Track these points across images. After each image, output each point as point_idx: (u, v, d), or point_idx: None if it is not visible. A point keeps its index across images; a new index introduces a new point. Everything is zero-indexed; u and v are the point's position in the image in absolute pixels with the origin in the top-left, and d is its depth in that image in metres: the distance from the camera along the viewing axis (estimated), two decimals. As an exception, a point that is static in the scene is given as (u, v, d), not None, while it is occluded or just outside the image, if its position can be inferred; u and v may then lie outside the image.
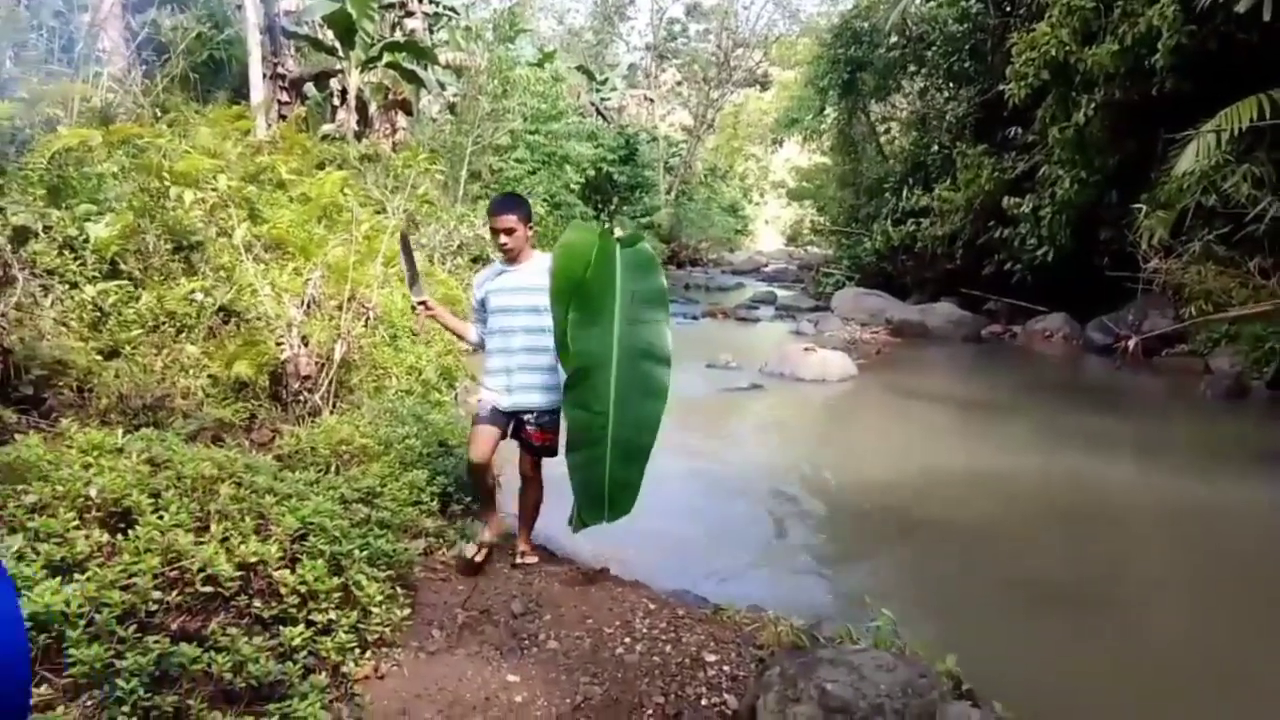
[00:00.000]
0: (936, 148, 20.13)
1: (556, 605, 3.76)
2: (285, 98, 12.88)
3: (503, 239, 3.91)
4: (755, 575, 5.17)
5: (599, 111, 31.61)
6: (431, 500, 4.41)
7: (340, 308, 6.01)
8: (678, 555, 5.27)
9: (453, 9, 17.71)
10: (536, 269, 3.94)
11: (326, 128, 13.52)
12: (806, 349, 11.95)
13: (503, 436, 4.05)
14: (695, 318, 18.62)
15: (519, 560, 4.17)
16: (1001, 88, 14.97)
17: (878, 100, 24.10)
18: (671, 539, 5.62)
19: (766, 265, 36.74)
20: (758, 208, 49.08)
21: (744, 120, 44.91)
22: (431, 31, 17.73)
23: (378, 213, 9.33)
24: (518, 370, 3.98)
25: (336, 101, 14.60)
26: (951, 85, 20.38)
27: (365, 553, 3.41)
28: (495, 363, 4.05)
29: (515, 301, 3.96)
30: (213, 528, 3.16)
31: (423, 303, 4.07)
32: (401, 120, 15.61)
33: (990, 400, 10.82)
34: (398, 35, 15.70)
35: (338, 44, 14.11)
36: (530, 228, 3.98)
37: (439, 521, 4.40)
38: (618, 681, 3.18)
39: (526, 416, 4.03)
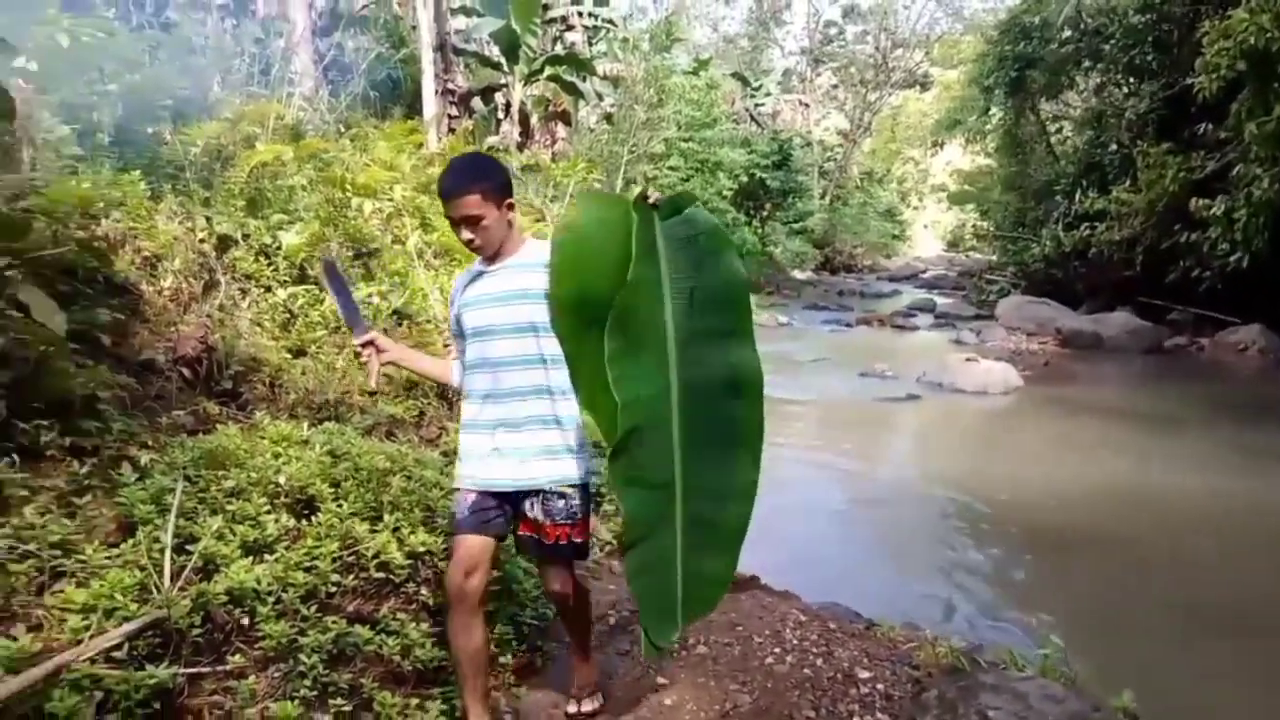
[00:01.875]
0: (1114, 147, 18.83)
1: (706, 610, 3.78)
2: (454, 112, 13.54)
3: (465, 234, 2.52)
4: (908, 591, 5.01)
5: (753, 118, 31.48)
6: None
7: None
8: (827, 567, 5.18)
9: (611, 21, 18.11)
10: (529, 264, 2.59)
11: (491, 140, 14.11)
12: (968, 359, 11.46)
13: (502, 539, 2.71)
14: (849, 325, 18.23)
15: (575, 711, 2.96)
16: (1189, 81, 13.85)
17: (1048, 98, 22.81)
18: (820, 550, 5.53)
19: (924, 272, 35.53)
20: (916, 212, 47.51)
21: (902, 123, 43.59)
22: (590, 44, 18.19)
23: (537, 220, 9.65)
24: (507, 425, 2.59)
25: (501, 114, 15.22)
26: (1132, 80, 19.03)
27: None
28: (475, 413, 2.65)
29: (497, 318, 2.57)
30: (385, 517, 3.36)
31: (368, 343, 2.67)
32: (561, 131, 16.10)
33: (1170, 416, 10.04)
34: (559, 49, 16.21)
35: (503, 59, 14.71)
36: (508, 205, 2.57)
37: (591, 520, 4.50)
38: (767, 691, 3.16)
39: (528, 501, 2.62)
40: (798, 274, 28.84)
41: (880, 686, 3.20)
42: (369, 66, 11.33)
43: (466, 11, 15.37)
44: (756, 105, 32.48)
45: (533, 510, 2.63)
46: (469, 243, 2.54)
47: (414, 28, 13.11)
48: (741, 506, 2.17)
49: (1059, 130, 24.44)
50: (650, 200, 2.06)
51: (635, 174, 17.22)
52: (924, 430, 9.70)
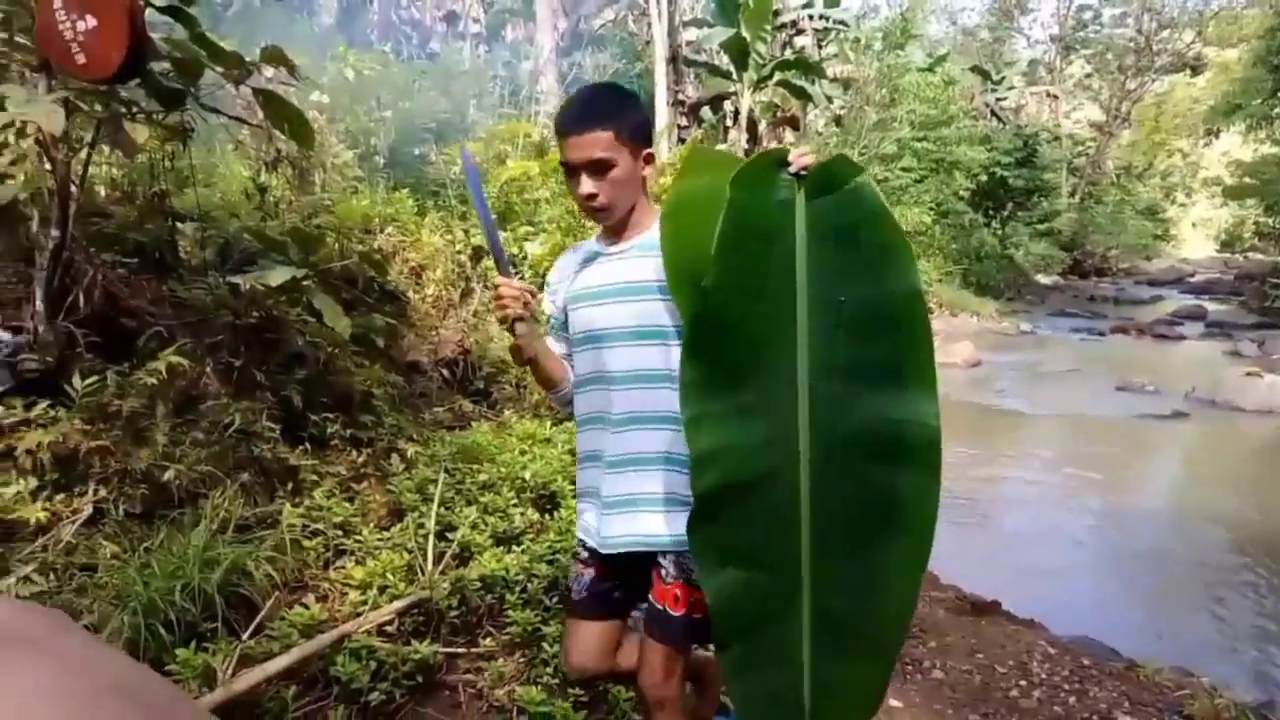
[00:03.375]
0: None
1: (943, 633, 3.60)
2: (684, 121, 13.83)
3: (585, 186, 1.82)
4: (1172, 633, 4.51)
5: (994, 113, 29.66)
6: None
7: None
8: (1075, 597, 4.78)
9: (843, 23, 17.75)
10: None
11: (720, 147, 14.28)
12: (1249, 373, 10.15)
13: (625, 619, 2.05)
14: (1101, 334, 16.71)
15: None
16: None
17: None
18: (1067, 579, 5.11)
19: (1193, 275, 31.87)
20: (1182, 210, 42.70)
21: (1168, 111, 39.35)
22: (820, 47, 17.92)
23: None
24: (620, 465, 1.88)
25: (729, 122, 15.35)
26: None
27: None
28: (587, 444, 1.98)
29: (617, 318, 1.88)
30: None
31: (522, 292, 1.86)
32: (789, 136, 15.99)
33: None
34: (788, 54, 16.10)
35: (732, 67, 14.82)
36: (646, 157, 1.88)
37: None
38: (1012, 726, 2.96)
39: (658, 561, 1.89)
40: (1042, 278, 26.85)
41: (1145, 734, 2.91)
42: (607, 82, 11.84)
43: (698, 23, 15.64)
44: (998, 100, 30.56)
45: (655, 573, 1.89)
46: (588, 199, 1.82)
47: (648, 43, 13.53)
48: (900, 608, 1.50)
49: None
50: (792, 165, 1.49)
51: (865, 177, 16.73)
52: (1193, 453, 8.69)
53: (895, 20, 20.34)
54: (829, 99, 18.09)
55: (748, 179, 1.48)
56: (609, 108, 1.82)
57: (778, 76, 14.88)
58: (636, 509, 1.86)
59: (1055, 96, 35.40)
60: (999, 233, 24.33)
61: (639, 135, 1.85)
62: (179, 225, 3.83)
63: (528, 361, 1.93)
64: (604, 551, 1.91)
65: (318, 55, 5.32)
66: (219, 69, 3.05)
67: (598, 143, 1.78)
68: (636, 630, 1.99)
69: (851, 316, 1.45)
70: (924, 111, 18.56)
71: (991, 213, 24.44)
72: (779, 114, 15.87)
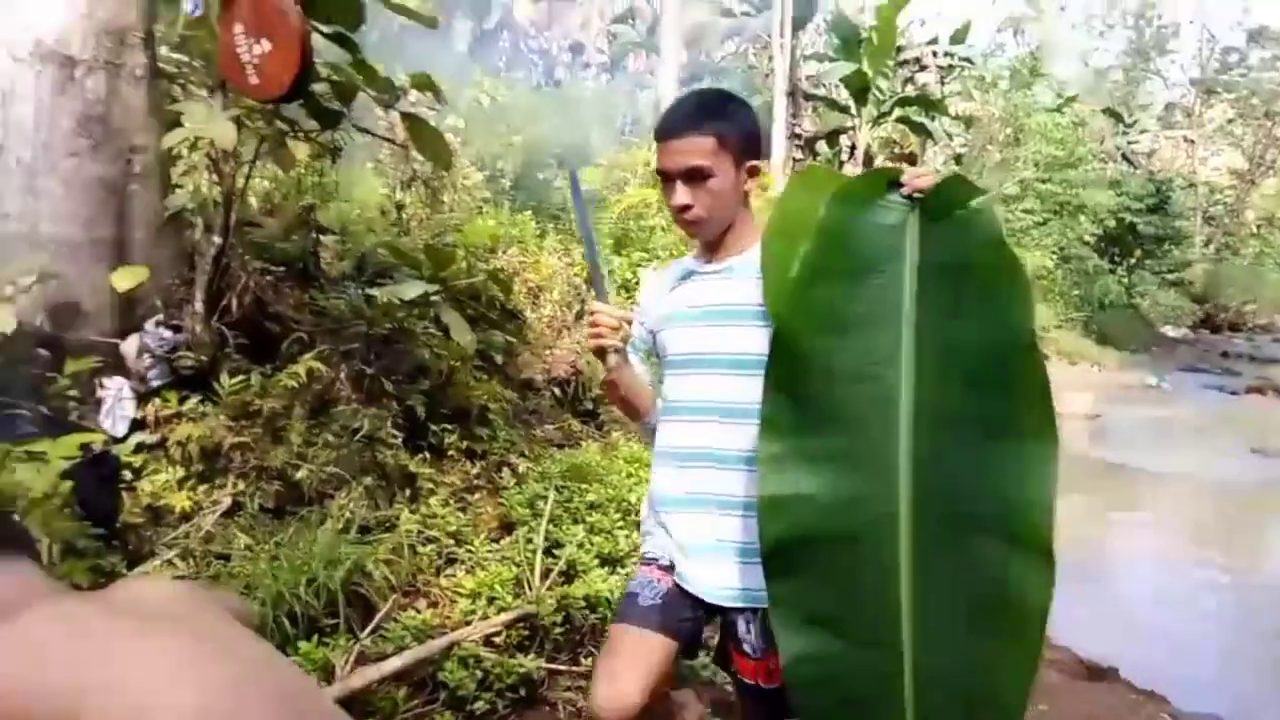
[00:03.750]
0: None
1: (1054, 697, 3.44)
2: (799, 155, 13.79)
3: (679, 197, 1.65)
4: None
5: (1125, 157, 28.50)
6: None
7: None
8: (1202, 671, 4.48)
9: (968, 60, 17.42)
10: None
11: (834, 181, 14.16)
12: (1405, 446, 9.39)
13: (684, 652, 1.74)
14: (1235, 392, 15.72)
15: None
16: None
17: None
18: (1192, 650, 4.80)
19: (1342, 336, 29.68)
20: (1332, 265, 39.91)
21: (1320, 160, 36.99)
22: (943, 83, 17.63)
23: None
24: (721, 504, 1.65)
25: (845, 157, 15.22)
26: None
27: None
28: (671, 482, 1.74)
29: (713, 343, 1.69)
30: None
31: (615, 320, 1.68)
32: (906, 172, 15.74)
33: None
34: (910, 90, 15.89)
35: (851, 102, 14.72)
36: (750, 170, 1.71)
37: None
38: (1132, 803, 2.80)
39: (738, 619, 1.67)
40: (1170, 331, 25.49)
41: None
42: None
43: (819, 57, 15.62)
44: (1130, 143, 29.36)
45: (747, 632, 1.64)
46: (683, 211, 1.66)
47: (767, 76, 13.59)
48: (1013, 698, 1.26)
49: None
50: (905, 185, 1.35)
51: (984, 217, 16.29)
52: (1337, 526, 8.07)
53: (1023, 59, 19.82)
54: (949, 136, 17.76)
55: (851, 198, 1.34)
56: (712, 112, 1.67)
57: (897, 112, 14.69)
58: (726, 556, 1.63)
59: (1191, 141, 33.75)
60: (1125, 281, 23.26)
61: (744, 145, 1.68)
62: (321, 238, 4.06)
63: (620, 398, 1.79)
64: (687, 589, 1.68)
65: (453, 81, 5.56)
66: (371, 92, 3.22)
67: (696, 149, 1.63)
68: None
69: (965, 360, 1.25)
70: (1050, 152, 17.98)
71: (1118, 260, 23.41)
72: (897, 150, 15.65)
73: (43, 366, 2.83)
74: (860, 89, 14.17)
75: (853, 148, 15.01)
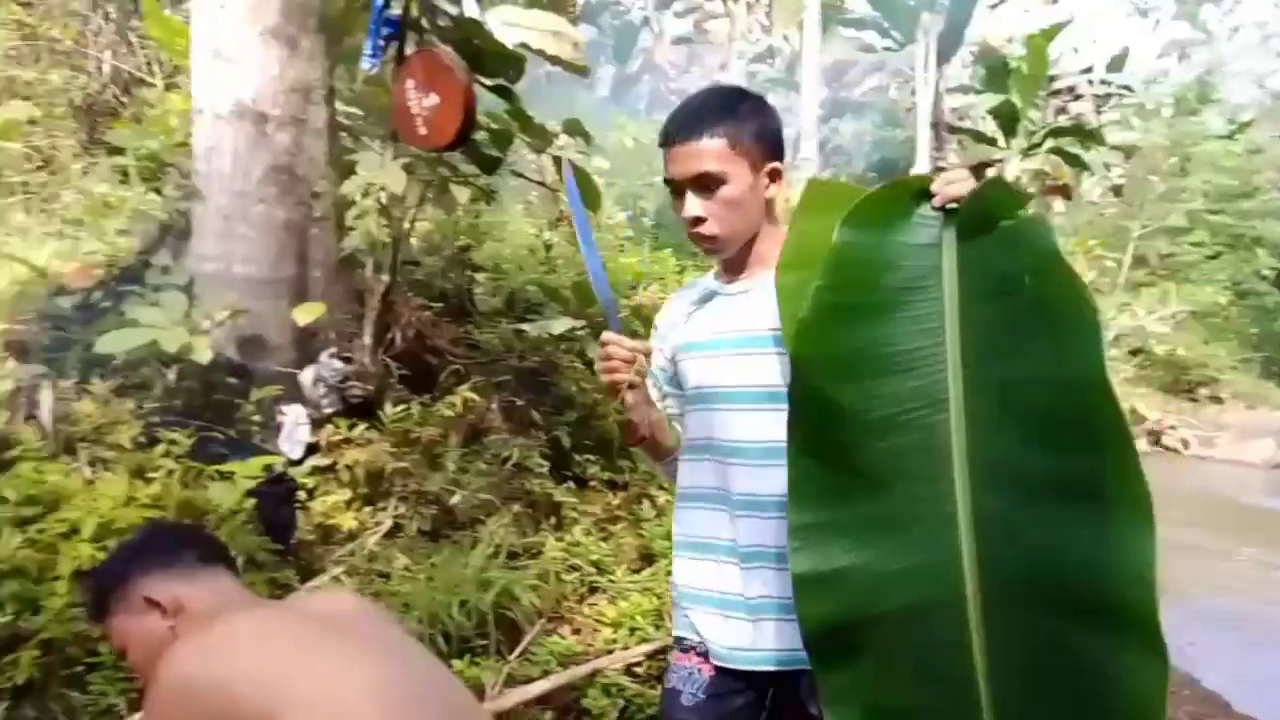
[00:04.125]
0: None
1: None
2: (944, 189, 13.45)
3: (689, 205, 1.45)
4: None
5: (1308, 184, 26.28)
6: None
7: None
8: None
9: (1127, 87, 16.60)
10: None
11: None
12: None
13: None
14: None
15: None
16: None
17: None
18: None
19: None
20: None
21: None
22: (1099, 112, 16.84)
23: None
24: (757, 555, 1.43)
25: (992, 190, 14.75)
26: None
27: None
28: (695, 527, 1.54)
29: (736, 374, 1.48)
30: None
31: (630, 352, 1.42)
32: (1059, 205, 15.07)
33: None
34: (1062, 120, 15.27)
35: (999, 134, 14.28)
36: (772, 173, 1.49)
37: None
38: None
39: (798, 680, 1.40)
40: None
41: None
42: (868, 149, 11.82)
43: (964, 89, 15.25)
44: (1314, 170, 27.06)
45: (808, 699, 1.36)
46: (695, 225, 1.46)
47: (908, 110, 13.38)
48: None
49: None
50: (936, 196, 1.15)
51: (1147, 250, 15.40)
52: None
53: (1190, 84, 18.70)
54: (1107, 167, 16.91)
55: (869, 216, 1.12)
56: (723, 110, 1.47)
57: (1049, 143, 14.12)
58: (778, 616, 1.38)
59: (1390, 166, 30.77)
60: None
61: (762, 145, 1.47)
62: (476, 276, 4.28)
63: (640, 441, 1.51)
64: (736, 666, 1.46)
65: (596, 124, 5.77)
66: (526, 139, 3.41)
67: (706, 153, 1.44)
68: None
69: (1026, 404, 1.03)
70: (1221, 182, 16.82)
71: (1301, 296, 21.51)
72: (1047, 182, 15.02)
73: (232, 394, 3.11)
74: (1009, 120, 13.72)
75: (1000, 180, 14.51)
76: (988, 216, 1.08)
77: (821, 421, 1.12)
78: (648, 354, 1.44)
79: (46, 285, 3.25)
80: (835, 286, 1.13)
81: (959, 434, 1.06)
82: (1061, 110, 16.15)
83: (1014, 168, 14.26)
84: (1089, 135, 14.57)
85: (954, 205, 1.12)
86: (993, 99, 13.58)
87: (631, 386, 1.42)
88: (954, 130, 14.61)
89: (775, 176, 1.49)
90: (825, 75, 15.40)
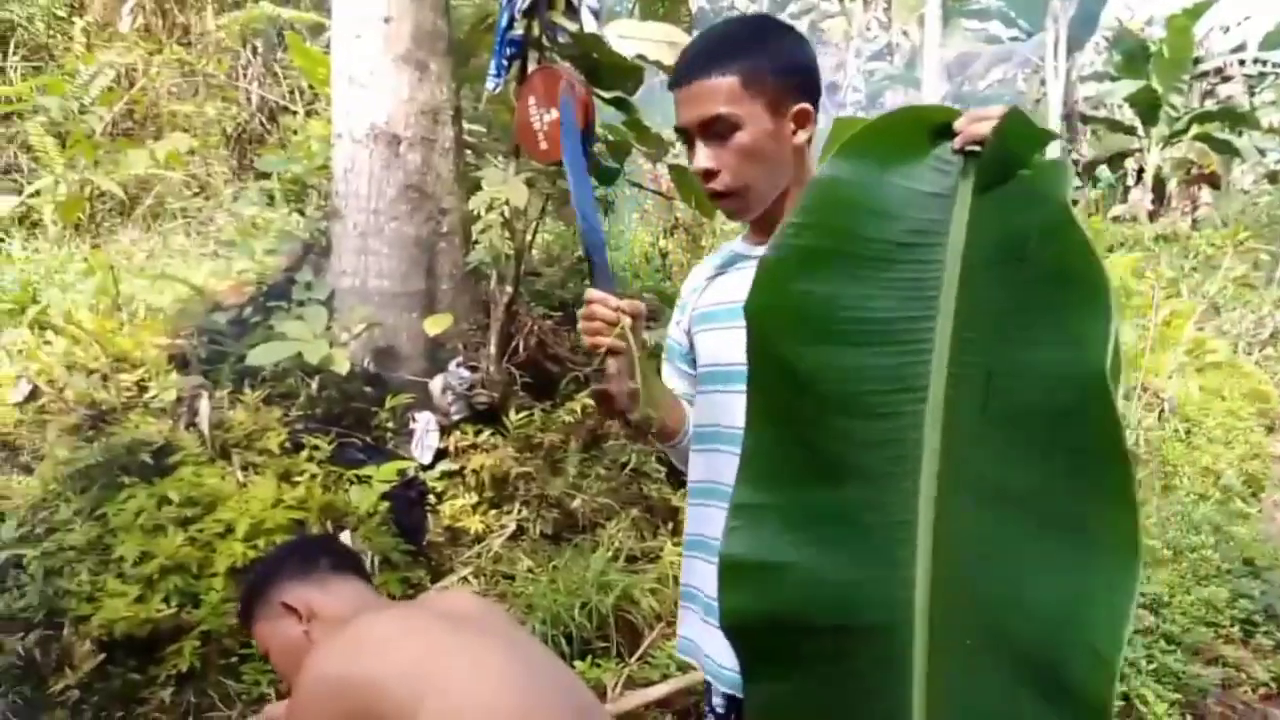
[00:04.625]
0: None
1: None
2: (1077, 182, 12.83)
3: (700, 159, 1.26)
4: None
5: None
6: (1231, 625, 3.85)
7: (1127, 396, 5.73)
8: None
9: (1284, 64, 15.39)
10: None
11: (1118, 208, 13.02)
12: None
13: None
14: None
15: None
16: None
17: None
18: None
19: None
20: None
21: None
22: (1252, 94, 15.68)
23: (1168, 296, 8.59)
24: None
25: (1130, 181, 13.96)
26: None
27: (1151, 665, 3.18)
28: (703, 524, 1.39)
29: (742, 351, 0.93)
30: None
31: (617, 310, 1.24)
32: (1205, 195, 14.11)
33: None
34: (1209, 104, 14.30)
35: (1138, 122, 13.51)
36: (799, 115, 1.27)
37: (1240, 651, 3.81)
38: None
39: None
40: None
41: None
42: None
43: (1098, 77, 14.50)
44: None
45: None
46: (706, 179, 1.28)
47: (1038, 101, 12.82)
48: None
49: None
50: (959, 135, 0.86)
51: (1309, 242, 14.21)
52: None
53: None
54: (1261, 153, 15.72)
55: (867, 149, 0.88)
56: (736, 44, 1.25)
57: (1195, 129, 13.27)
58: None
59: None
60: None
61: (784, 82, 1.24)
62: (594, 284, 4.37)
63: (617, 415, 1.30)
64: (723, 688, 1.33)
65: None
66: (643, 149, 3.46)
67: (715, 93, 1.22)
68: None
69: (1014, 399, 0.80)
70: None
71: None
72: (1193, 171, 14.09)
73: (368, 402, 3.29)
74: (1149, 107, 12.98)
75: (1140, 171, 13.72)
76: (1007, 162, 0.83)
77: (779, 388, 0.90)
78: (636, 316, 1.23)
79: (204, 302, 3.53)
80: (812, 227, 0.88)
81: (933, 431, 0.83)
82: (1209, 94, 15.12)
83: (1155, 156, 13.47)
84: (1240, 119, 13.62)
85: (977, 149, 0.86)
86: (1130, 85, 12.87)
87: (615, 352, 1.23)
88: (1087, 120, 13.91)
89: (803, 120, 1.27)
90: (947, 69, 14.93)
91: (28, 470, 2.89)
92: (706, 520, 1.36)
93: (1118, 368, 0.77)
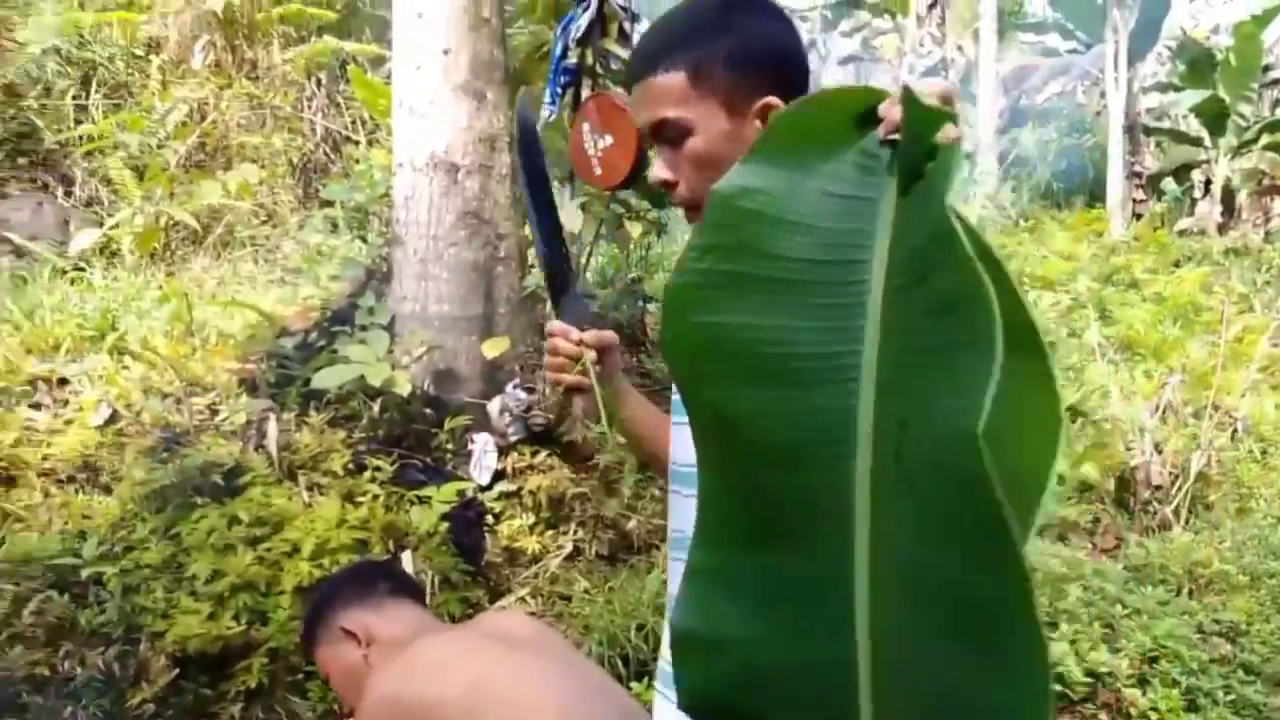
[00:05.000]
0: None
1: None
2: (1140, 195, 12.53)
3: (655, 166, 1.11)
4: None
5: None
6: (1319, 659, 3.71)
7: (1197, 415, 5.55)
8: None
9: (1360, 70, 14.84)
10: None
11: (1185, 222, 12.66)
12: None
13: None
14: None
15: None
16: None
17: None
18: None
19: None
20: None
21: None
22: (1328, 100, 15.15)
23: (1240, 312, 8.32)
24: None
25: (1198, 193, 13.57)
26: None
27: (1229, 696, 3.06)
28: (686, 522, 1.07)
29: None
30: (1062, 626, 3.21)
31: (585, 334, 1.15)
32: (1278, 207, 13.66)
33: None
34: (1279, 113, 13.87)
35: (1204, 132, 13.15)
36: (762, 110, 1.05)
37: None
38: None
39: None
40: None
41: None
42: (1052, 158, 11.21)
43: (1161, 87, 14.17)
44: None
45: None
46: (666, 189, 1.13)
47: (1097, 114, 12.57)
48: None
49: None
50: (884, 123, 0.68)
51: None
52: None
53: None
54: (1339, 161, 15.17)
55: (780, 146, 0.70)
56: (687, 33, 1.07)
57: (1265, 139, 12.86)
58: None
59: None
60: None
61: (745, 74, 1.05)
62: (648, 306, 4.41)
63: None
64: None
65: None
66: (695, 172, 3.50)
67: (662, 93, 1.06)
68: None
69: (918, 459, 0.63)
70: None
71: None
72: (1265, 182, 13.65)
73: (428, 424, 3.36)
74: (1216, 117, 12.62)
75: (1208, 182, 13.33)
76: (918, 156, 0.66)
77: (713, 435, 0.76)
78: (603, 348, 1.14)
79: (272, 328, 3.65)
80: (716, 248, 0.71)
81: (863, 486, 0.67)
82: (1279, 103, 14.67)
83: (1223, 168, 13.08)
84: (1314, 127, 13.17)
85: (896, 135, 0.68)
86: (1195, 95, 12.54)
87: (579, 389, 1.12)
88: (1149, 131, 13.58)
89: (765, 115, 1.05)
90: (1004, 83, 14.73)
91: (107, 490, 3.00)
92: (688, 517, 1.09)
93: (1052, 427, 0.59)
